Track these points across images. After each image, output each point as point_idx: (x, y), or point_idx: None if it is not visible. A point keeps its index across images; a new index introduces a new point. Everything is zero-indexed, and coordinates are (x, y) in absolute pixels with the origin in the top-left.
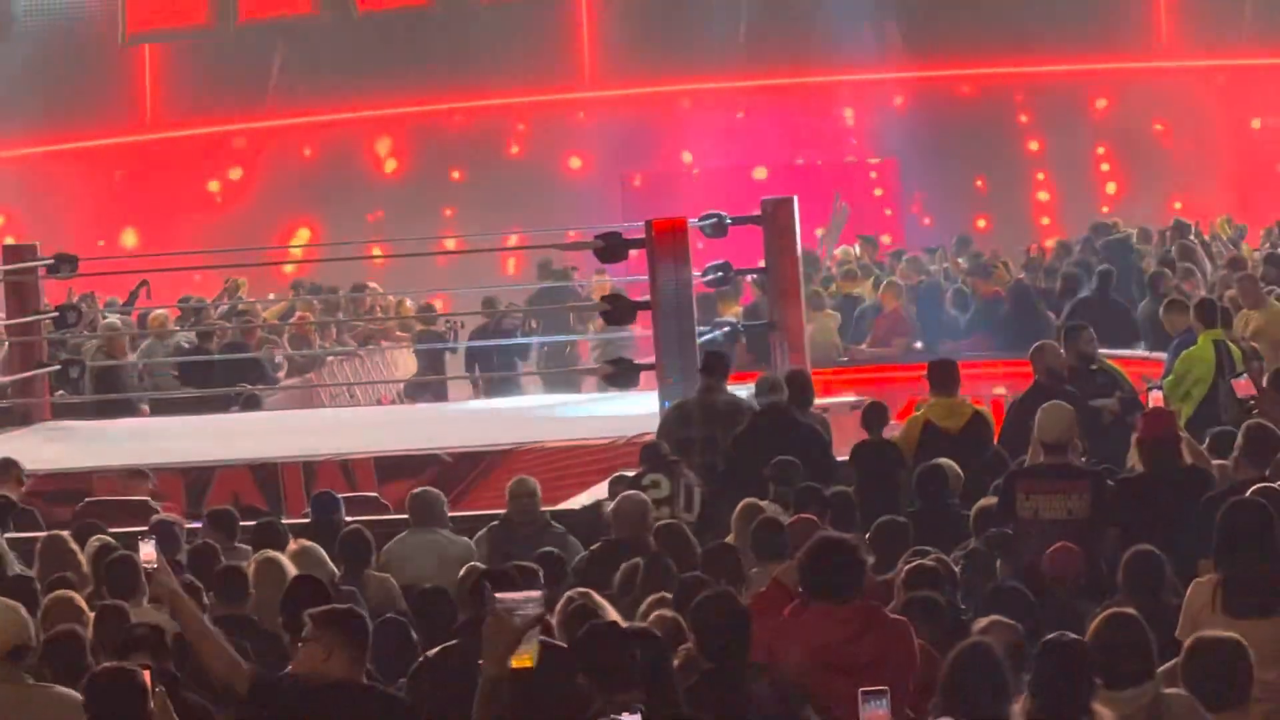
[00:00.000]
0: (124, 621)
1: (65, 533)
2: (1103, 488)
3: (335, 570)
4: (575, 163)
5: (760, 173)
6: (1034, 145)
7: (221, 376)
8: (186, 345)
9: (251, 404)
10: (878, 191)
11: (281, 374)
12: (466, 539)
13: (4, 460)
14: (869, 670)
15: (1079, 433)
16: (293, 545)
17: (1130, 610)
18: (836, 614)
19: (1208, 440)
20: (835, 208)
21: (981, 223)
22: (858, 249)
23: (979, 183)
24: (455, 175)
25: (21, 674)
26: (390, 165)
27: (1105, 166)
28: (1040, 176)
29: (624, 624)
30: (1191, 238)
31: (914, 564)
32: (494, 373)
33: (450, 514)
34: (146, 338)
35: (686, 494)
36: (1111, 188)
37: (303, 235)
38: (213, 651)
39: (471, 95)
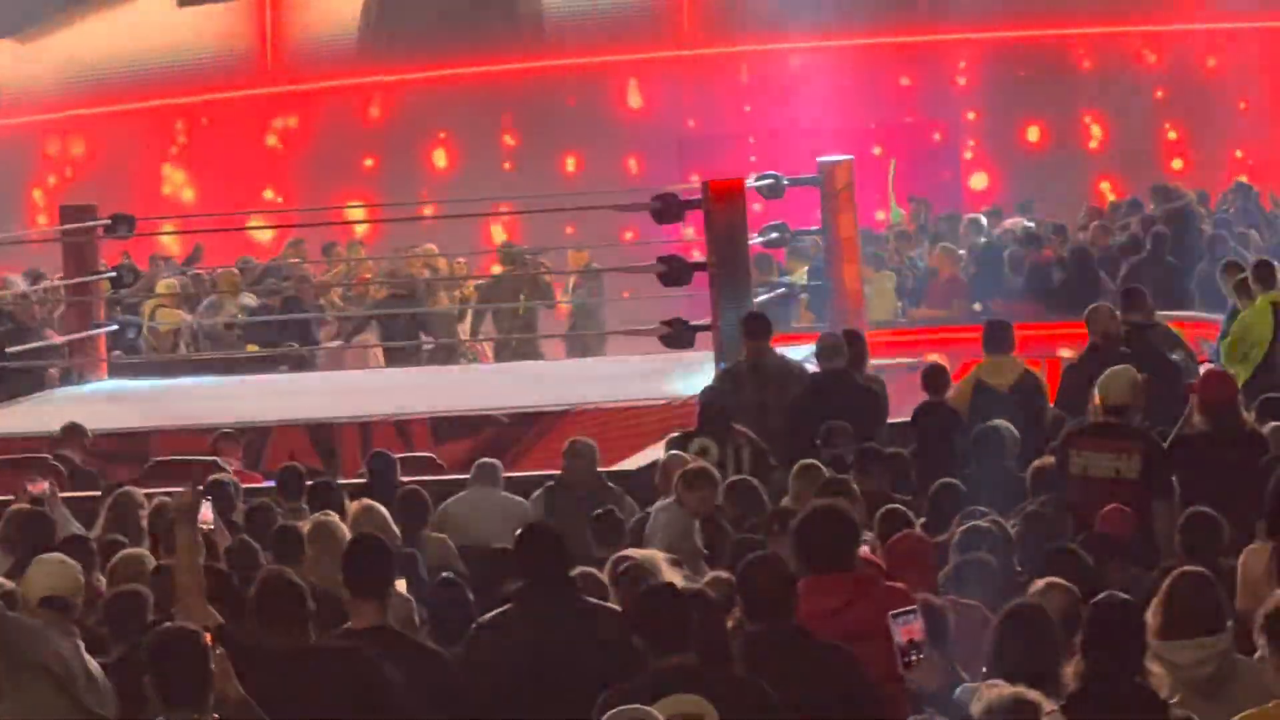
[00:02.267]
0: None
1: (130, 488)
2: (1156, 452)
3: (397, 531)
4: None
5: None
6: (1095, 106)
7: (272, 337)
8: (255, 305)
9: (298, 364)
10: (934, 153)
11: (326, 338)
12: (523, 499)
13: (70, 424)
14: (861, 641)
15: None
16: (356, 505)
17: (1200, 569)
18: (827, 584)
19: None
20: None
21: (1042, 185)
22: (908, 211)
23: (1040, 144)
24: (509, 139)
25: (69, 627)
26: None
27: (1171, 134)
28: (1098, 133)
29: (678, 585)
30: (1253, 202)
31: (967, 526)
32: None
33: (507, 474)
34: (208, 297)
35: (736, 457)
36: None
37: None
38: (190, 594)
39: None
